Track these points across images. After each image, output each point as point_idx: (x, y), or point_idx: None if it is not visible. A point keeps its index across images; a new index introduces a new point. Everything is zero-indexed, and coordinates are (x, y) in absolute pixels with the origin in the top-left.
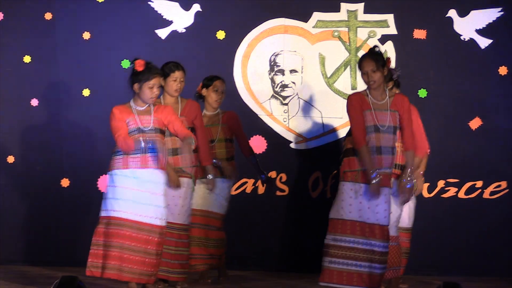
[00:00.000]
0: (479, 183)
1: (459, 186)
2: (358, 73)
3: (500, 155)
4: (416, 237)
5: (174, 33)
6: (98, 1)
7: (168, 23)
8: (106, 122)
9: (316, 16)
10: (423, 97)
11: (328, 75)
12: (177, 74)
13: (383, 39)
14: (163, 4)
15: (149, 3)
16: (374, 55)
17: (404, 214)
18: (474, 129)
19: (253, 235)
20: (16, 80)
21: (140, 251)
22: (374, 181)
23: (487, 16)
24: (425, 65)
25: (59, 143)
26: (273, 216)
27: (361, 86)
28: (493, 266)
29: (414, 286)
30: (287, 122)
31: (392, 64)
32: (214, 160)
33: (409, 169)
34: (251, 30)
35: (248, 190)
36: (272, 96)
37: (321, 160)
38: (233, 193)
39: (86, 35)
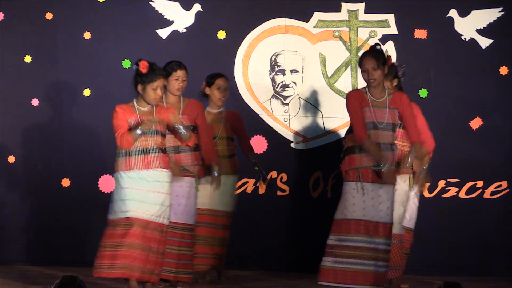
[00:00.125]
0: (479, 183)
1: (459, 186)
2: (359, 73)
3: (501, 155)
4: (417, 237)
5: (174, 33)
6: (99, 1)
7: (168, 23)
8: (107, 122)
9: (317, 16)
10: (423, 97)
11: (329, 75)
12: (179, 73)
13: (384, 39)
14: (164, 4)
15: (150, 3)
16: (375, 53)
17: (407, 214)
18: (474, 129)
19: (253, 235)
20: (17, 80)
21: (145, 249)
22: (384, 169)
23: (487, 16)
24: (426, 65)
25: (60, 143)
26: (273, 216)
27: (362, 86)
28: (494, 266)
29: (414, 286)
30: (287, 122)
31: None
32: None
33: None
34: (252, 30)
35: (249, 190)
36: (273, 96)
37: (322, 160)
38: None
39: (87, 35)
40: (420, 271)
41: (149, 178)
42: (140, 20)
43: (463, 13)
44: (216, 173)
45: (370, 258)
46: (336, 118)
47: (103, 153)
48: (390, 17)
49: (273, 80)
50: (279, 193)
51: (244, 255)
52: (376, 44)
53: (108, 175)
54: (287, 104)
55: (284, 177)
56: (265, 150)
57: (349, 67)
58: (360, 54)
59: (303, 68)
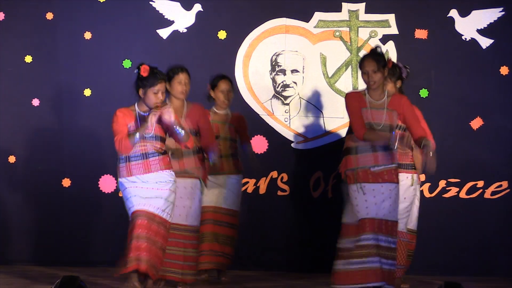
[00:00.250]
0: (480, 183)
1: (460, 186)
2: (359, 73)
3: (501, 155)
4: (418, 237)
5: (175, 33)
6: (99, 1)
7: (169, 23)
8: (108, 122)
9: (318, 16)
10: (424, 97)
11: (330, 75)
12: (182, 77)
13: (384, 39)
14: (165, 4)
15: (151, 3)
16: (375, 56)
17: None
18: (475, 129)
19: (254, 234)
20: (18, 80)
21: (151, 241)
22: (395, 146)
23: (488, 16)
24: (426, 65)
25: (60, 143)
26: (274, 216)
27: (362, 86)
28: (494, 266)
29: (415, 285)
30: (288, 122)
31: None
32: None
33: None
34: (253, 30)
35: (250, 190)
36: (274, 96)
37: (322, 160)
38: None
39: (87, 35)
40: (421, 271)
41: (151, 180)
42: (141, 20)
43: (464, 13)
44: (212, 161)
45: (376, 254)
46: (336, 118)
47: (103, 153)
48: (391, 17)
49: (273, 80)
50: (279, 193)
51: (244, 255)
52: (377, 46)
53: (108, 175)
54: (287, 104)
55: (285, 177)
56: (265, 150)
57: (350, 67)
58: (360, 54)
59: (303, 68)
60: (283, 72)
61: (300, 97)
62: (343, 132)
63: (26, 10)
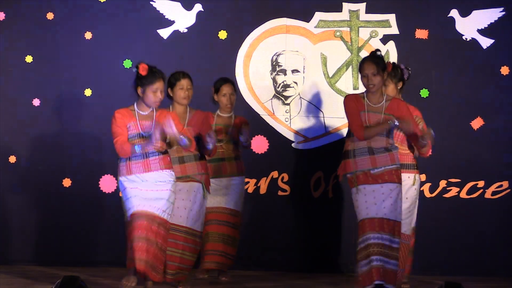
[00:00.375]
0: (480, 183)
1: (460, 186)
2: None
3: (502, 155)
4: (418, 237)
5: (176, 33)
6: (99, 1)
7: (170, 23)
8: (108, 122)
9: (318, 16)
10: (425, 97)
11: (330, 75)
12: (183, 82)
13: (385, 39)
14: (165, 4)
15: (151, 3)
16: (375, 59)
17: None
18: (476, 129)
19: (254, 234)
20: (18, 80)
21: (151, 242)
22: (394, 124)
23: (488, 16)
24: (427, 65)
25: (61, 143)
26: (274, 216)
27: (363, 86)
28: (495, 266)
29: (415, 285)
30: (289, 122)
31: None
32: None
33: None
34: (253, 30)
35: (250, 190)
36: (274, 96)
37: (323, 160)
38: None
39: (88, 35)
40: (421, 271)
41: (150, 179)
42: (141, 20)
43: (464, 13)
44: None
45: (377, 253)
46: (337, 118)
47: (104, 153)
48: (391, 17)
49: (274, 80)
50: (280, 193)
51: (245, 255)
52: (377, 50)
53: (109, 175)
54: (288, 104)
55: (285, 177)
56: (266, 150)
57: (350, 67)
58: (361, 54)
59: (304, 68)
60: (284, 72)
61: (300, 97)
62: (343, 132)
63: (27, 10)
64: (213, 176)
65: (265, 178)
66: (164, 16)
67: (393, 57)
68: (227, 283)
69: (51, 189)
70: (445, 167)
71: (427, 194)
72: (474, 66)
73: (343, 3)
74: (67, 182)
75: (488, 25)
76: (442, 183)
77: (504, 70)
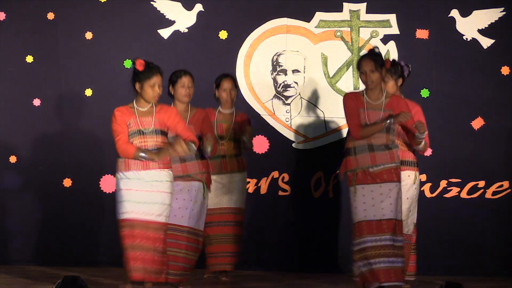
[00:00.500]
0: (481, 183)
1: (461, 186)
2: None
3: (502, 155)
4: (418, 237)
5: (176, 33)
6: (100, 1)
7: (170, 23)
8: (109, 122)
9: (319, 16)
10: (425, 97)
11: (331, 75)
12: (184, 80)
13: (386, 39)
14: (166, 4)
15: (152, 3)
16: (373, 56)
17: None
18: (476, 129)
19: (255, 234)
20: (18, 80)
21: (149, 249)
22: (389, 122)
23: (489, 16)
24: (428, 65)
25: (61, 143)
26: (275, 216)
27: (363, 86)
28: (495, 266)
29: (416, 286)
30: (289, 122)
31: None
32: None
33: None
34: (254, 30)
35: (251, 190)
36: (275, 96)
37: (324, 160)
38: None
39: (89, 35)
40: (422, 271)
41: (147, 178)
42: (142, 20)
43: (465, 13)
44: (207, 146)
45: (379, 255)
46: (337, 118)
47: (104, 153)
48: (392, 17)
49: (274, 80)
50: (280, 193)
51: (245, 255)
52: (375, 47)
53: (109, 175)
54: (288, 104)
55: (286, 177)
56: (266, 150)
57: (351, 67)
58: (362, 54)
59: (304, 68)
60: (284, 72)
61: (301, 97)
62: (344, 132)
63: (27, 10)
64: (214, 173)
65: (265, 178)
66: (165, 16)
67: (393, 57)
68: (227, 283)
69: (51, 189)
70: (446, 167)
71: (428, 194)
72: (474, 66)
73: (344, 3)
74: (67, 182)
75: (488, 25)
76: (443, 183)
77: (505, 70)
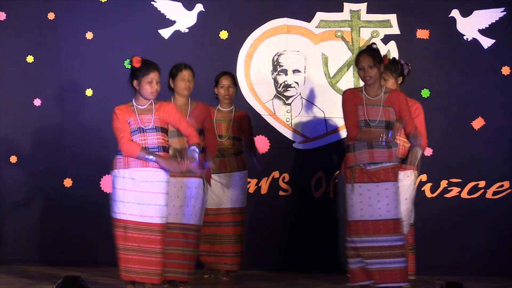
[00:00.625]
0: (482, 183)
1: (462, 186)
2: None
3: (503, 155)
4: (419, 237)
5: (177, 33)
6: (101, 1)
7: (171, 23)
8: (109, 122)
9: (319, 16)
10: (426, 97)
11: (331, 75)
12: (185, 73)
13: (386, 39)
14: (166, 4)
15: (152, 3)
16: (371, 51)
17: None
18: (477, 129)
19: (255, 234)
20: (19, 80)
21: (145, 251)
22: (381, 141)
23: (489, 16)
24: (428, 65)
25: (62, 143)
26: (275, 216)
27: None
28: (496, 266)
29: (416, 285)
30: (290, 122)
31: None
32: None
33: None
34: (254, 30)
35: (251, 190)
36: (275, 96)
37: (324, 160)
38: None
39: (89, 35)
40: (423, 270)
41: (142, 178)
42: (142, 20)
43: (465, 13)
44: (208, 166)
45: (373, 256)
46: (338, 118)
47: (105, 153)
48: (392, 17)
49: (275, 80)
50: (281, 193)
51: (245, 255)
52: (373, 43)
53: (110, 175)
54: (289, 104)
55: (286, 177)
56: (267, 150)
57: (351, 67)
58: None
59: (305, 68)
60: (285, 72)
61: (301, 97)
62: (344, 132)
63: (28, 10)
64: (213, 172)
65: (266, 178)
66: (165, 16)
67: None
68: (227, 283)
69: (52, 189)
70: (446, 167)
71: (428, 194)
72: (475, 66)
73: (344, 3)
74: (68, 182)
75: (489, 25)
76: (443, 183)
77: (505, 70)
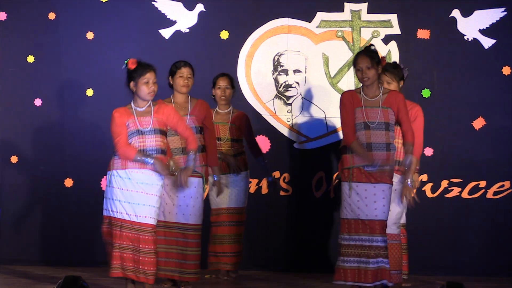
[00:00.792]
0: (482, 183)
1: (462, 186)
2: None
3: (504, 155)
4: (420, 237)
5: (177, 33)
6: (101, 1)
7: (171, 23)
8: (109, 122)
9: (320, 16)
10: (426, 97)
11: (332, 75)
12: (184, 71)
13: (387, 39)
14: (167, 4)
15: (153, 3)
16: (369, 52)
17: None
18: (477, 129)
19: (256, 234)
20: (20, 80)
21: (138, 251)
22: (376, 169)
23: (490, 16)
24: (429, 65)
25: (63, 143)
26: (276, 216)
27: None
28: (497, 266)
29: (417, 285)
30: (290, 122)
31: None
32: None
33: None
34: (255, 30)
35: (252, 190)
36: (276, 96)
37: (325, 160)
38: None
39: (90, 35)
40: (423, 270)
41: (138, 179)
42: (143, 20)
43: (466, 13)
44: (216, 178)
45: (373, 256)
46: (338, 118)
47: (105, 153)
48: (393, 17)
49: (276, 80)
50: (282, 193)
51: (246, 255)
52: (371, 44)
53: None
54: (290, 104)
55: (287, 177)
56: (268, 150)
57: (352, 67)
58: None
59: (306, 68)
60: (286, 72)
61: (302, 97)
62: None
63: (29, 10)
64: (214, 173)
65: (266, 178)
66: (166, 16)
67: (395, 57)
68: (227, 283)
69: (53, 189)
70: (447, 167)
71: (429, 194)
72: (475, 66)
73: (345, 3)
74: (68, 182)
75: (489, 25)
76: (444, 183)
77: (506, 70)
